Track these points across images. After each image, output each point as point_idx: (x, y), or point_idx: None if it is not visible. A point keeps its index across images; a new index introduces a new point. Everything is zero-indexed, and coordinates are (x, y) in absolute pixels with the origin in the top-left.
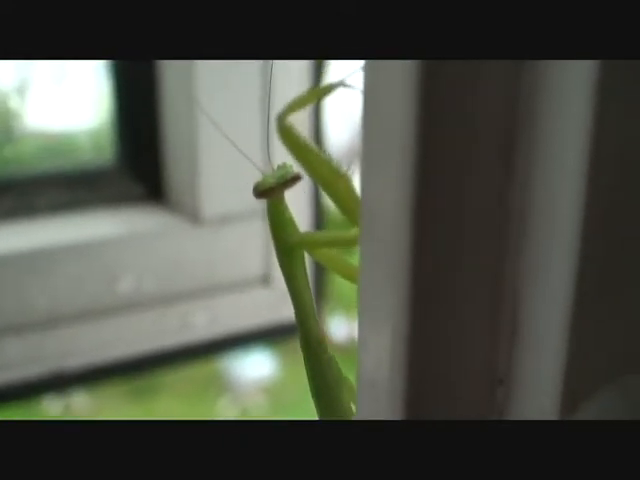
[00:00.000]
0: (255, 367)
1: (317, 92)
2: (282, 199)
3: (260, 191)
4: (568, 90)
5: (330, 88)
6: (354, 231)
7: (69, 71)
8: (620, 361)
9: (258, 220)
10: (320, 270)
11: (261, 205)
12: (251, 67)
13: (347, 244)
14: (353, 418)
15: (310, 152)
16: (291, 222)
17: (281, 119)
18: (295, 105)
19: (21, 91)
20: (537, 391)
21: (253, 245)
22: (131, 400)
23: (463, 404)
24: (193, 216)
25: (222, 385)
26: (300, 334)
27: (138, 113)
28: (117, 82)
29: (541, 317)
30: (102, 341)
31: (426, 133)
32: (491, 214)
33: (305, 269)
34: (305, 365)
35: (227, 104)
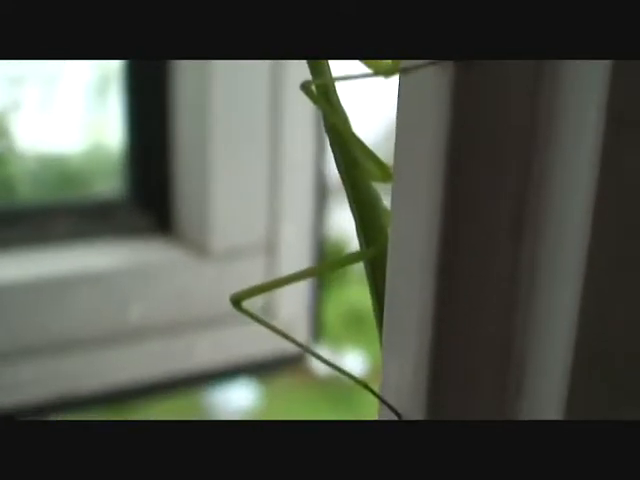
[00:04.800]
0: (239, 399)
1: None
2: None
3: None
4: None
5: None
6: None
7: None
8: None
9: (262, 255)
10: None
11: (266, 239)
12: (261, 104)
13: None
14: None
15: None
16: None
17: None
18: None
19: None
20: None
21: (257, 279)
22: None
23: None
24: (201, 249)
25: (205, 417)
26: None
27: (149, 145)
28: (129, 114)
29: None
30: (109, 367)
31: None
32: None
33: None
34: (346, 190)
35: (239, 138)
